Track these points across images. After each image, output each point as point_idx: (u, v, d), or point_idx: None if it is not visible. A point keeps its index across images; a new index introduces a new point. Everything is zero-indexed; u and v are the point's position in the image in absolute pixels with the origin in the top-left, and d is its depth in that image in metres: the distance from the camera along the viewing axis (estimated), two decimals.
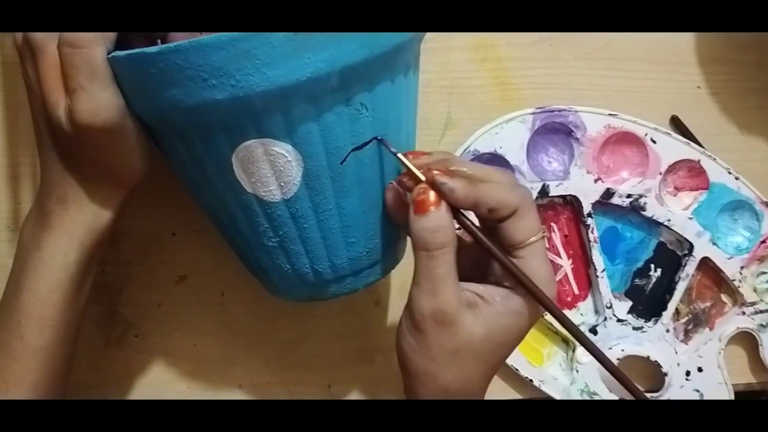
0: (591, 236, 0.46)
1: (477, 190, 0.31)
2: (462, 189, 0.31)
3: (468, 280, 0.33)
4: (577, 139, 0.45)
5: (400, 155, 0.33)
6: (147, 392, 0.46)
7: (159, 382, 0.46)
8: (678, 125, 0.47)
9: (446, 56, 0.45)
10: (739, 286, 0.47)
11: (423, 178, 0.32)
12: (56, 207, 0.34)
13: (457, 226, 0.32)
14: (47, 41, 0.31)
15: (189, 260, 0.45)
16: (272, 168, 0.32)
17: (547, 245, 0.47)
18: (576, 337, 0.33)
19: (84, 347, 0.45)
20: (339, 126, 0.32)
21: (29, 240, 0.35)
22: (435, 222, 0.31)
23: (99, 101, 0.31)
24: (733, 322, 0.48)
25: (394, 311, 0.47)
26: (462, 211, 0.33)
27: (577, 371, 0.47)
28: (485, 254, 0.33)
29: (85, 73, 0.30)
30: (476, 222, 0.33)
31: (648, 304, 0.48)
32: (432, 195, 0.31)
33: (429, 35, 0.44)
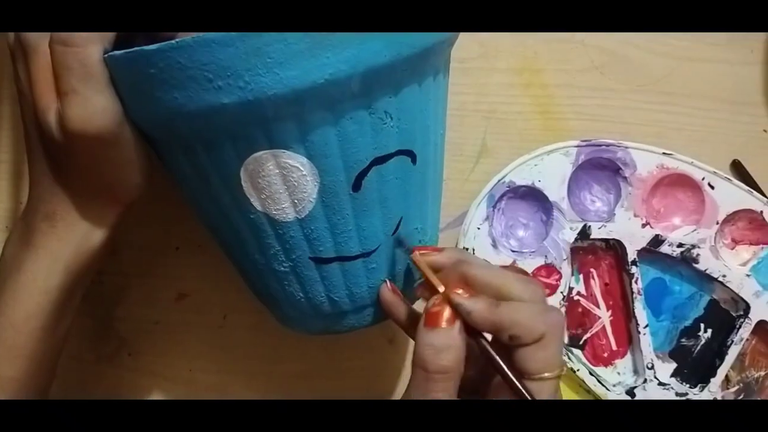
0: (635, 287, 0.42)
1: (499, 313, 0.28)
2: (481, 312, 0.28)
3: (470, 389, 0.31)
4: (625, 177, 0.42)
5: (420, 263, 0.31)
6: None
7: None
8: (740, 171, 0.44)
9: (485, 78, 0.42)
10: None
11: (442, 289, 0.29)
12: (42, 224, 0.31)
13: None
14: (40, 40, 0.29)
15: (191, 277, 0.43)
16: (285, 183, 0.29)
17: (585, 293, 0.43)
18: None
19: (73, 361, 0.43)
20: (360, 136, 0.29)
21: (10, 259, 0.32)
22: (443, 341, 0.28)
23: (93, 106, 0.28)
24: None
25: (410, 351, 0.44)
26: None
27: None
28: (497, 374, 0.29)
29: (79, 74, 0.28)
30: None
31: (695, 368, 0.44)
32: (447, 311, 0.29)
33: (468, 55, 0.42)
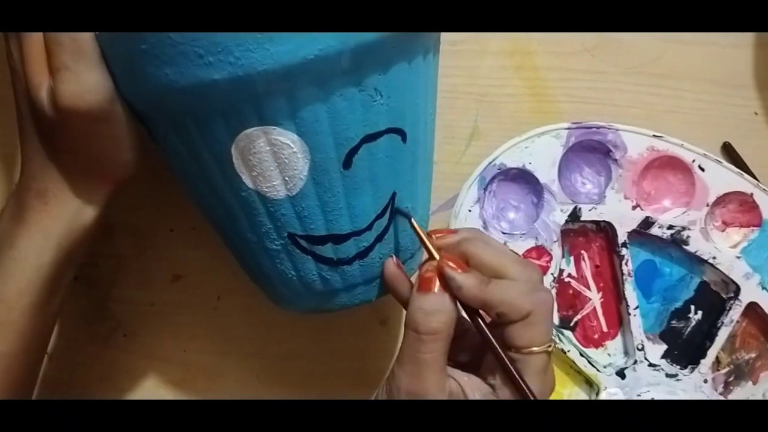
0: (625, 269, 0.42)
1: (487, 291, 0.29)
2: (471, 288, 0.29)
3: (464, 364, 0.32)
4: (615, 160, 0.42)
5: (418, 229, 0.32)
6: (130, 397, 0.43)
7: (143, 387, 0.43)
8: (730, 153, 0.43)
9: (477, 61, 0.42)
10: None
11: (437, 257, 0.30)
12: (34, 201, 0.32)
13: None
14: None
15: (186, 259, 0.43)
16: (276, 160, 0.30)
17: (576, 275, 0.44)
18: None
19: (69, 342, 0.43)
20: (350, 113, 0.29)
21: (2, 235, 0.32)
22: (434, 305, 0.29)
23: (84, 83, 0.28)
24: None
25: (401, 333, 0.43)
26: None
27: None
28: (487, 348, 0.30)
29: (70, 50, 0.28)
30: None
31: (685, 350, 0.44)
32: (439, 280, 0.30)
33: (459, 38, 0.42)
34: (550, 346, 0.30)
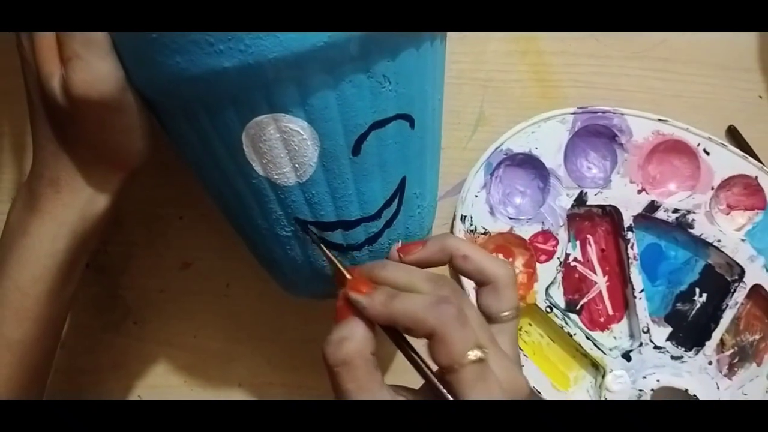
0: (630, 252, 0.42)
1: (392, 307, 0.28)
2: (375, 306, 0.28)
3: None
4: (621, 144, 0.42)
5: (325, 249, 0.32)
6: (142, 383, 0.44)
7: (155, 374, 0.44)
8: (735, 137, 0.43)
9: (482, 46, 0.42)
10: None
11: (349, 276, 0.30)
12: (47, 190, 0.32)
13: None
14: None
15: (195, 246, 0.43)
16: (286, 147, 0.30)
17: (582, 259, 0.44)
18: None
19: (81, 329, 0.43)
20: (359, 100, 0.29)
21: (16, 224, 0.32)
22: (340, 333, 0.28)
23: (96, 71, 0.28)
24: None
25: None
26: None
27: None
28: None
29: (81, 40, 0.28)
30: None
31: (690, 332, 0.44)
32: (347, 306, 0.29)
33: None
34: (478, 355, 0.27)
